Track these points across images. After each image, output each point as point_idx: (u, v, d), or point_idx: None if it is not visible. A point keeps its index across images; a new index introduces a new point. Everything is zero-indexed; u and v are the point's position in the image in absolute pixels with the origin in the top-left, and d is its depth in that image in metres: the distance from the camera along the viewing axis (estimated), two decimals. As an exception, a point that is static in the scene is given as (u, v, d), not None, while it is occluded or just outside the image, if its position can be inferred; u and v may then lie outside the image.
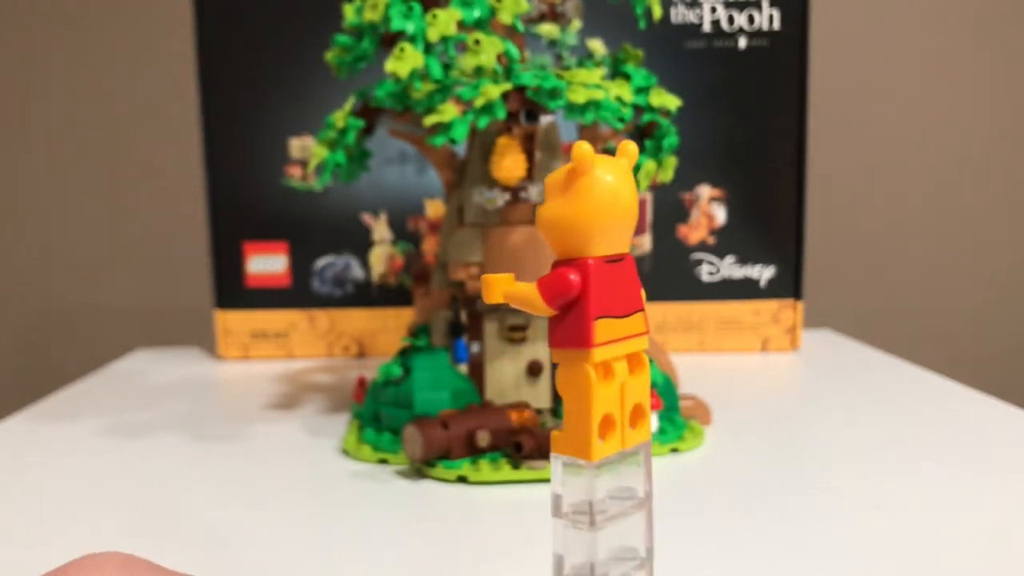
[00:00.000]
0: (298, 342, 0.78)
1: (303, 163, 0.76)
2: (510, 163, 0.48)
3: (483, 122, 0.45)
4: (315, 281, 0.77)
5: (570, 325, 0.24)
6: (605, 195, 0.23)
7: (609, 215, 0.23)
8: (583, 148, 0.23)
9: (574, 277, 0.23)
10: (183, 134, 0.98)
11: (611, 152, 0.55)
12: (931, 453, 0.47)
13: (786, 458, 0.48)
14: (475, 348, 0.51)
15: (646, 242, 0.77)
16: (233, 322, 0.78)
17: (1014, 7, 1.05)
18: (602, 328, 0.23)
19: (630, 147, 0.24)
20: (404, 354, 0.52)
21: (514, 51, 0.46)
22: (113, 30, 1.02)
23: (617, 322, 0.24)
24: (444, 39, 0.45)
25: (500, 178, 0.48)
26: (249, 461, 0.49)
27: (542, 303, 0.24)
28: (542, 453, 0.45)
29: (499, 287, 0.25)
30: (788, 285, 0.77)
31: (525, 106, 0.47)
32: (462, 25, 0.46)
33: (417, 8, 0.45)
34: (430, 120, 0.45)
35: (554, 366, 0.51)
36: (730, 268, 0.77)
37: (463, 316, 0.52)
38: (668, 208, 0.76)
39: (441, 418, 0.46)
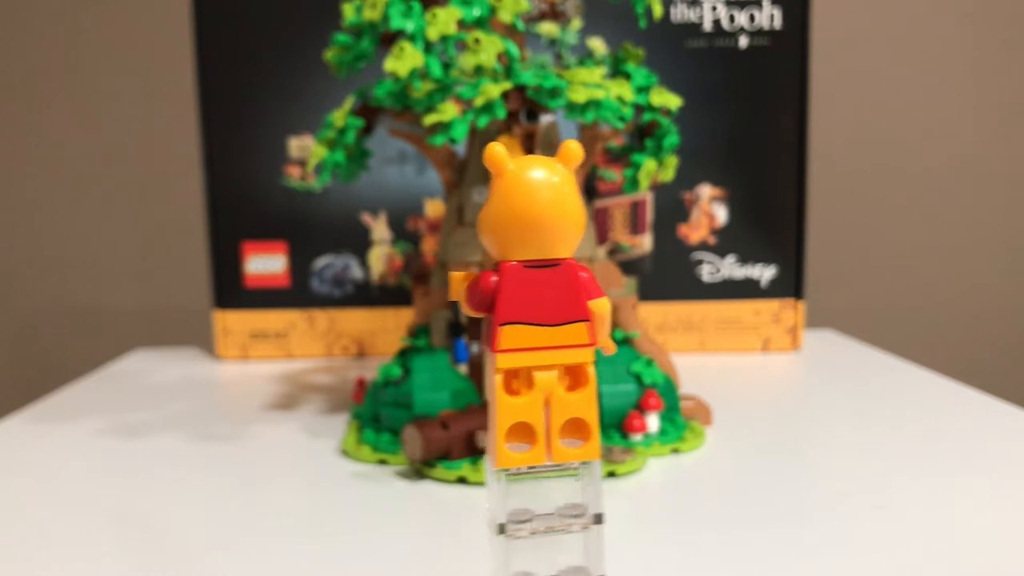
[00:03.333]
0: (297, 342, 0.78)
1: (302, 163, 0.76)
2: (510, 162, 0.47)
3: (483, 121, 0.45)
4: (314, 281, 0.77)
5: (487, 328, 0.24)
6: (517, 197, 0.22)
7: (522, 218, 0.22)
8: (494, 150, 0.22)
9: (494, 279, 0.23)
10: (182, 134, 0.98)
11: (611, 151, 0.55)
12: (932, 454, 0.47)
13: (787, 458, 0.48)
14: (475, 348, 0.51)
15: (647, 242, 0.77)
16: (232, 322, 0.77)
17: (1015, 6, 1.04)
18: (513, 334, 0.23)
19: (570, 147, 0.23)
20: (404, 354, 0.52)
21: (514, 50, 0.46)
22: (112, 29, 1.02)
23: (538, 330, 0.23)
24: (444, 38, 0.45)
25: (500, 178, 0.48)
26: (248, 462, 0.49)
27: (465, 303, 0.24)
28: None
29: (453, 284, 0.24)
30: (789, 285, 0.77)
31: (525, 105, 0.47)
32: (462, 24, 0.45)
33: (417, 7, 0.45)
34: (430, 119, 0.45)
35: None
36: (731, 268, 0.77)
37: (463, 316, 0.52)
38: (669, 208, 0.76)
39: (441, 418, 0.45)
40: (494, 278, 0.23)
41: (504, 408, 0.23)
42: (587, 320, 0.23)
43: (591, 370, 0.24)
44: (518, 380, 0.24)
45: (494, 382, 0.23)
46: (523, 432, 0.23)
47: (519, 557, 0.24)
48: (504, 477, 0.24)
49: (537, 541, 0.24)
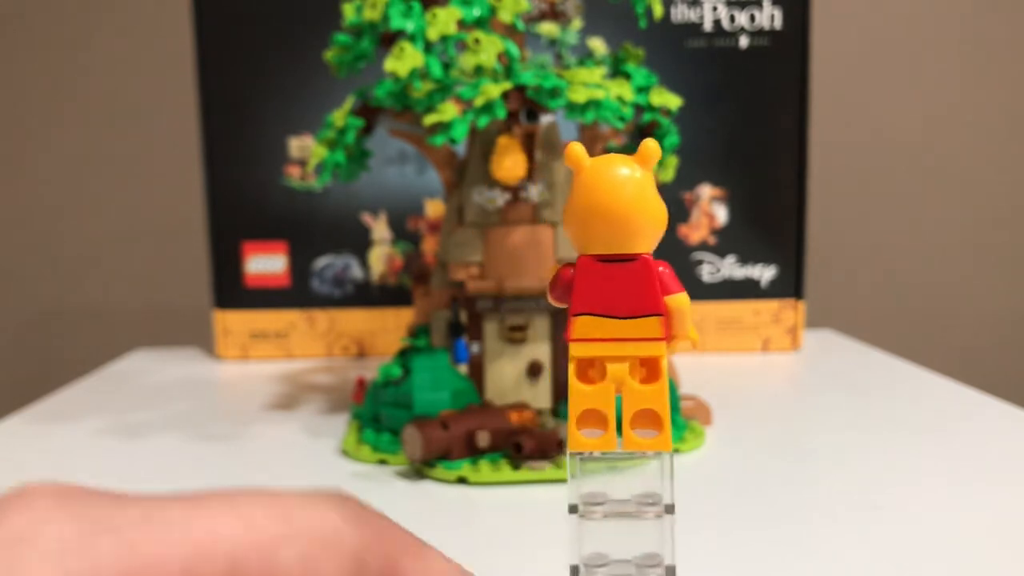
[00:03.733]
0: (297, 342, 0.78)
1: (302, 163, 0.76)
2: (510, 163, 0.48)
3: (483, 121, 0.45)
4: (315, 281, 0.77)
5: (565, 319, 0.25)
6: (590, 193, 0.23)
7: (595, 212, 0.23)
8: (573, 148, 0.23)
9: (571, 272, 0.24)
10: (183, 134, 0.98)
11: (611, 151, 0.55)
12: (931, 453, 0.47)
13: (787, 458, 0.48)
14: (475, 348, 0.51)
15: (646, 242, 0.76)
16: (232, 322, 0.77)
17: (1015, 6, 1.04)
18: (585, 325, 0.24)
19: (648, 146, 0.24)
20: (404, 354, 0.52)
21: (514, 50, 0.46)
22: (112, 29, 1.02)
23: (610, 322, 0.24)
24: (444, 38, 0.45)
25: (500, 178, 0.48)
26: (248, 461, 0.49)
27: (549, 294, 0.25)
28: (542, 454, 0.44)
29: (549, 277, 0.26)
30: (789, 285, 0.77)
31: (525, 105, 0.47)
32: (462, 24, 0.45)
33: (417, 7, 0.45)
34: (430, 119, 0.45)
35: (554, 366, 0.51)
36: (731, 268, 0.77)
37: (463, 316, 0.52)
38: (669, 208, 0.75)
39: (441, 418, 0.45)
40: (572, 271, 0.24)
41: (575, 395, 0.24)
42: (660, 315, 0.24)
43: (664, 364, 0.24)
44: (594, 369, 0.25)
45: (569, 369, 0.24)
46: (596, 419, 0.24)
47: (595, 539, 0.25)
48: (578, 460, 0.24)
49: (612, 525, 0.25)
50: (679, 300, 0.24)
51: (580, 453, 0.24)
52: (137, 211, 1.05)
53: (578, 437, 0.24)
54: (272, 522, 0.17)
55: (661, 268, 0.24)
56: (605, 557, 0.25)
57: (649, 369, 0.24)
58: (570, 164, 0.24)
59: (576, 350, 0.24)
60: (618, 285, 0.24)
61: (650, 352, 0.24)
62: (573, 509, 0.25)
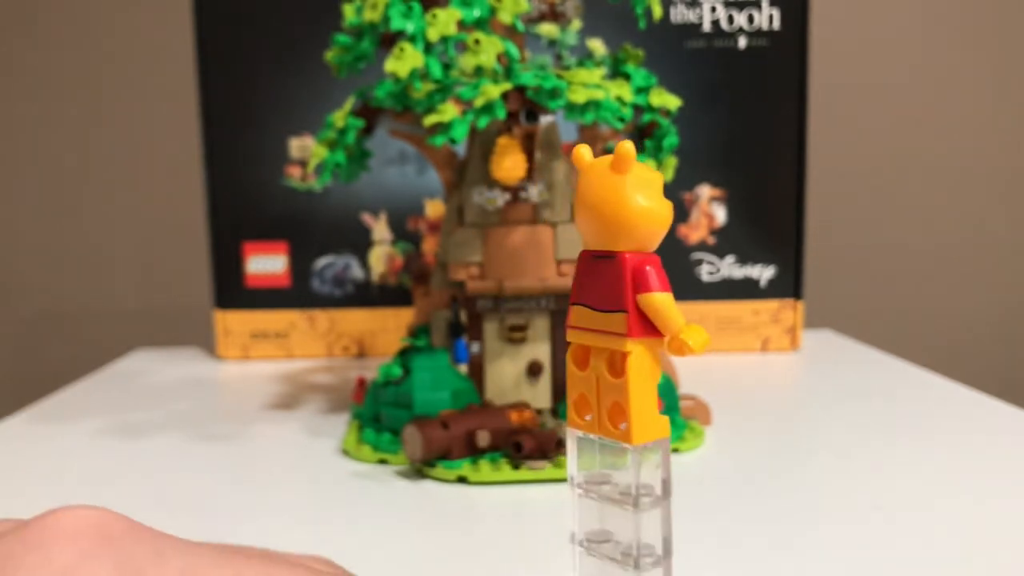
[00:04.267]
0: (298, 342, 0.78)
1: (303, 163, 0.76)
2: (510, 163, 0.48)
3: (483, 122, 0.45)
4: (315, 281, 0.77)
5: (565, 319, 0.27)
6: (583, 194, 0.25)
7: (587, 213, 0.25)
8: (578, 151, 0.25)
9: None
10: (183, 134, 0.98)
11: (611, 152, 0.56)
12: (931, 454, 0.47)
13: (786, 458, 0.48)
14: (475, 348, 0.51)
15: (646, 242, 0.77)
16: (233, 322, 0.78)
17: (1014, 6, 1.05)
18: (578, 313, 0.26)
19: (622, 147, 0.24)
20: (404, 354, 0.52)
21: (514, 51, 0.46)
22: (113, 29, 1.02)
23: (592, 313, 0.25)
24: (444, 39, 0.45)
25: (500, 178, 0.48)
26: (249, 461, 0.49)
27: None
28: (542, 453, 0.45)
29: None
30: (788, 285, 0.77)
31: (525, 106, 0.47)
32: (462, 25, 0.46)
33: (417, 8, 0.45)
34: (430, 120, 0.45)
35: (554, 366, 0.51)
36: (730, 268, 0.77)
37: (463, 316, 0.52)
38: (668, 208, 0.76)
39: (441, 418, 0.45)
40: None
41: (570, 377, 0.26)
42: (624, 311, 0.25)
43: (629, 361, 0.25)
44: (578, 356, 0.26)
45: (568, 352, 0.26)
46: (586, 403, 0.26)
47: (599, 516, 0.27)
48: (575, 439, 0.26)
49: (612, 508, 0.26)
50: (648, 299, 0.25)
51: (575, 431, 0.26)
52: (138, 211, 1.05)
53: (573, 416, 0.26)
54: None
55: (648, 267, 0.25)
56: (608, 535, 0.27)
57: (620, 363, 0.25)
58: (575, 165, 0.25)
59: (570, 335, 0.26)
60: (600, 280, 0.25)
61: (616, 346, 0.25)
62: (570, 480, 0.27)
